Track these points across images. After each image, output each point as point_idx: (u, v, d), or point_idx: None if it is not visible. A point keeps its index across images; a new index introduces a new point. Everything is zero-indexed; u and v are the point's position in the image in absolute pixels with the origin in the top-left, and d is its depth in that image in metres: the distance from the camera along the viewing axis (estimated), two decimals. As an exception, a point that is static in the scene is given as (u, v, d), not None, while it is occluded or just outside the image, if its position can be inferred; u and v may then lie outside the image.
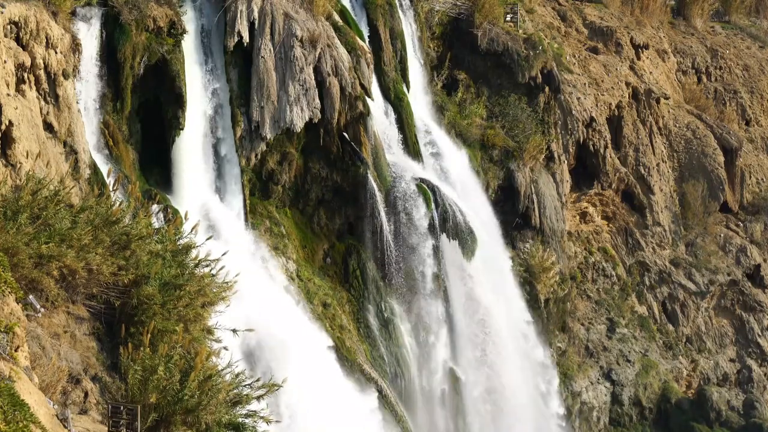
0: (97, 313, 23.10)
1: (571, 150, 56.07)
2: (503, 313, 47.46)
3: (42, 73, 31.82)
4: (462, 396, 45.76)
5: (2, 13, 30.06)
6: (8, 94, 29.30)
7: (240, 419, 22.02)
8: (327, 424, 34.81)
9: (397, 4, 48.55)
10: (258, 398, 22.59)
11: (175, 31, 38.03)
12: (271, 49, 40.56)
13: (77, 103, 34.04)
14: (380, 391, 40.80)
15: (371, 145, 43.14)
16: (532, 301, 50.36)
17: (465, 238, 44.89)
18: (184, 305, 23.09)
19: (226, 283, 24.87)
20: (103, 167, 34.27)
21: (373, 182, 42.83)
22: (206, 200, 38.87)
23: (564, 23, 62.76)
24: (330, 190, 43.26)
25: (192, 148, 38.98)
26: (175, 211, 35.32)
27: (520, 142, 51.51)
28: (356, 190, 42.98)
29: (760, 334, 60.57)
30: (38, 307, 20.95)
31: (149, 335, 21.45)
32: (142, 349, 21.00)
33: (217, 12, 40.12)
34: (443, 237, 44.41)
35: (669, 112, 63.83)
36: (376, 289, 43.39)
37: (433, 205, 44.18)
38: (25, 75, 31.07)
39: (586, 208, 58.11)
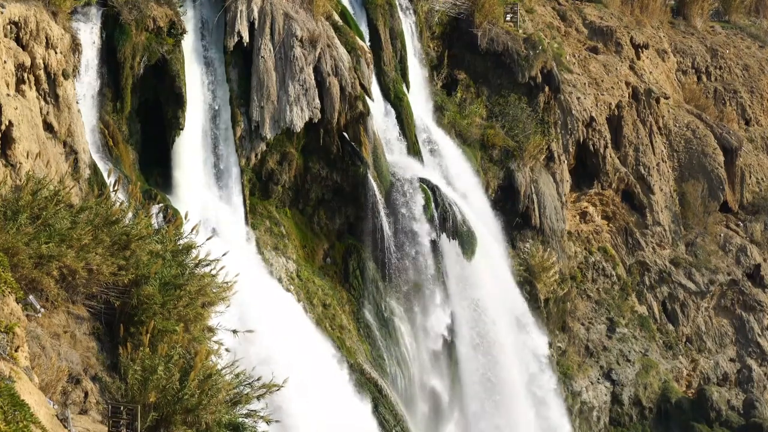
0: (97, 313, 23.10)
1: (571, 150, 56.07)
2: (503, 312, 47.42)
3: (42, 73, 31.80)
4: (462, 395, 45.76)
5: (2, 13, 30.07)
6: (8, 94, 29.29)
7: (240, 419, 22.03)
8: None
9: (397, 4, 48.54)
10: (258, 398, 22.60)
11: (175, 31, 38.02)
12: (271, 49, 40.57)
13: (77, 103, 34.01)
14: (380, 391, 40.82)
15: (371, 145, 43.14)
16: (532, 301, 50.36)
17: (465, 238, 44.89)
18: (184, 305, 23.08)
19: (226, 283, 24.87)
20: (103, 167, 34.27)
21: (373, 182, 42.83)
22: (206, 200, 38.88)
23: (564, 23, 62.76)
24: (330, 190, 43.26)
25: (192, 148, 38.97)
26: (175, 211, 35.31)
27: (520, 142, 51.52)
28: (356, 190, 42.98)
29: (760, 333, 60.57)
30: (38, 307, 20.95)
31: (149, 335, 21.45)
32: (141, 348, 21.00)
33: (217, 12, 40.11)
34: (443, 237, 44.41)
35: (669, 111, 63.82)
36: (376, 289, 43.39)
37: (433, 205, 44.18)
38: (25, 75, 31.06)
39: (586, 207, 58.12)
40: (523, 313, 48.89)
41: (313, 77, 41.09)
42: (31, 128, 29.95)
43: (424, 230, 43.86)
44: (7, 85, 29.60)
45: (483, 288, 46.26)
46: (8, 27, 30.58)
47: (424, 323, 44.64)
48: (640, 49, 64.04)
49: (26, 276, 21.16)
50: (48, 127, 31.97)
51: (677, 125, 63.74)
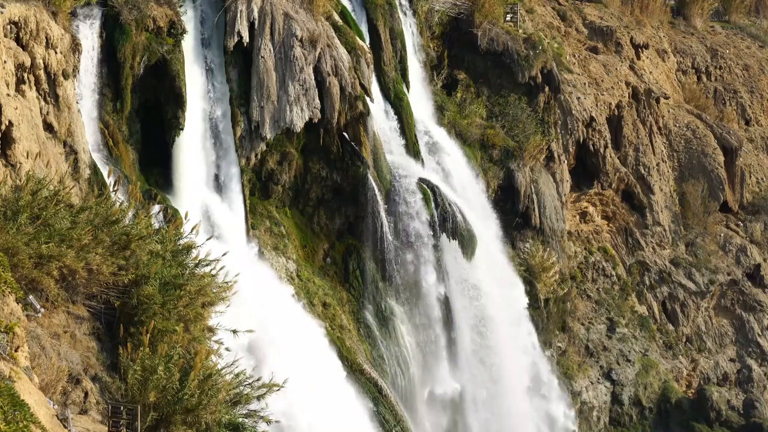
0: (97, 313, 23.09)
1: (571, 150, 56.08)
2: (503, 312, 47.42)
3: (42, 73, 31.78)
4: (462, 396, 45.74)
5: (2, 13, 30.07)
6: (8, 94, 29.28)
7: (240, 419, 22.04)
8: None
9: (397, 4, 48.54)
10: (258, 398, 22.62)
11: (175, 31, 38.00)
12: (271, 49, 40.56)
13: (77, 103, 34.01)
14: (380, 391, 40.80)
15: (371, 145, 43.13)
16: (532, 301, 50.35)
17: (465, 238, 44.88)
18: (184, 305, 23.07)
19: (226, 283, 24.87)
20: (103, 167, 34.25)
21: (373, 182, 42.82)
22: (206, 200, 38.86)
23: (564, 23, 62.78)
24: (330, 190, 43.25)
25: (192, 148, 38.95)
26: (175, 211, 35.30)
27: (520, 142, 51.52)
28: (356, 190, 42.97)
29: (760, 333, 60.59)
30: (38, 307, 20.94)
31: (149, 335, 21.44)
32: (141, 348, 21.00)
33: (217, 12, 40.10)
34: (443, 237, 44.40)
35: (669, 111, 63.83)
36: (376, 289, 43.39)
37: (432, 205, 44.17)
38: (25, 75, 31.05)
39: (586, 207, 58.12)
40: (522, 313, 48.89)
41: (313, 77, 41.08)
42: (31, 128, 29.94)
43: (424, 230, 43.84)
44: (7, 85, 29.59)
45: (482, 288, 46.26)
46: (8, 27, 30.57)
47: (424, 323, 44.64)
48: (640, 49, 64.07)
49: (26, 276, 21.15)
50: (48, 127, 31.96)
51: (677, 125, 63.75)
